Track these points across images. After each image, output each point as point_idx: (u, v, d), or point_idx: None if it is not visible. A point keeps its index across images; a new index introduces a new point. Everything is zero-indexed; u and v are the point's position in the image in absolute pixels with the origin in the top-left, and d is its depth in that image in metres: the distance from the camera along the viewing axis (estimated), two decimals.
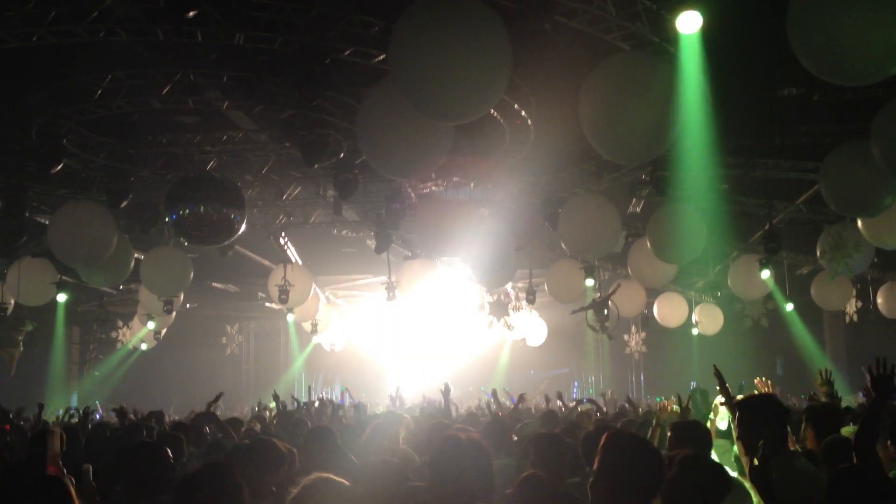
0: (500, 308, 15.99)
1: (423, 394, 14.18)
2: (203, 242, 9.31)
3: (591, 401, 9.21)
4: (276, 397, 9.06)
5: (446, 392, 8.63)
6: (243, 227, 9.24)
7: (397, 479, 3.28)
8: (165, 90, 8.00)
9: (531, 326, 17.93)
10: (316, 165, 8.34)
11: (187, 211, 8.73)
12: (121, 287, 14.75)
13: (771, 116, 8.26)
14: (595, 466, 3.06)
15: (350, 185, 9.12)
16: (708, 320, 15.85)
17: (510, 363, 20.95)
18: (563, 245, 10.32)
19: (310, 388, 21.08)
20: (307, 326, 16.97)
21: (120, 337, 18.45)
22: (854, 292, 13.74)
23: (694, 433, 4.34)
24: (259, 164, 10.08)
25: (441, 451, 3.23)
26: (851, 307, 14.32)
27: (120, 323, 18.51)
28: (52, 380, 17.35)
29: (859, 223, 9.20)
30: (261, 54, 7.18)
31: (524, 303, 15.58)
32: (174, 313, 13.99)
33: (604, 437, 3.22)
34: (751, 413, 3.90)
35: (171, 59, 7.58)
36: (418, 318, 18.21)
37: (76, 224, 9.19)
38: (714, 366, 4.83)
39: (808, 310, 14.66)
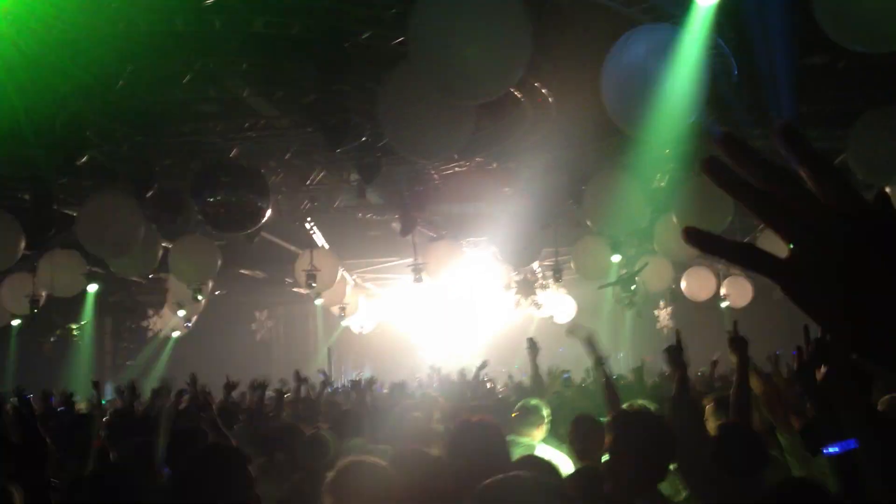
0: (527, 287, 15.99)
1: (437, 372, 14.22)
2: (229, 230, 9.37)
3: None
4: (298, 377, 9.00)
5: (480, 368, 8.64)
6: (269, 213, 9.29)
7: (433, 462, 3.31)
8: (186, 80, 8.02)
9: (559, 304, 17.90)
10: (338, 150, 8.34)
11: (213, 199, 8.80)
12: (150, 276, 14.91)
13: (797, 85, 8.14)
14: (609, 447, 3.11)
15: (373, 169, 9.13)
16: (737, 293, 15.75)
17: (538, 341, 20.90)
18: (589, 222, 10.29)
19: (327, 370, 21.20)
20: (335, 310, 17.07)
21: (150, 325, 18.65)
22: None
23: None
24: (282, 150, 10.09)
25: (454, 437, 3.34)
26: None
27: (150, 311, 18.71)
28: (78, 368, 17.56)
29: (887, 191, 9.08)
30: (280, 40, 7.18)
31: (551, 281, 15.57)
32: (204, 301, 14.12)
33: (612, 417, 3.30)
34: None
35: (190, 48, 7.60)
36: (446, 299, 18.23)
37: (103, 215, 9.29)
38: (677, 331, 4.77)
39: None
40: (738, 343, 4.47)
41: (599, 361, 4.90)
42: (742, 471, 3.70)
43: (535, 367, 7.19)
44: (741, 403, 4.33)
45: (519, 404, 5.44)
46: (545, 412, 5.26)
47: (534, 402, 5.37)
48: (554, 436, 5.43)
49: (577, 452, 4.66)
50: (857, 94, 8.26)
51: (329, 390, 10.35)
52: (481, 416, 3.68)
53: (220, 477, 2.86)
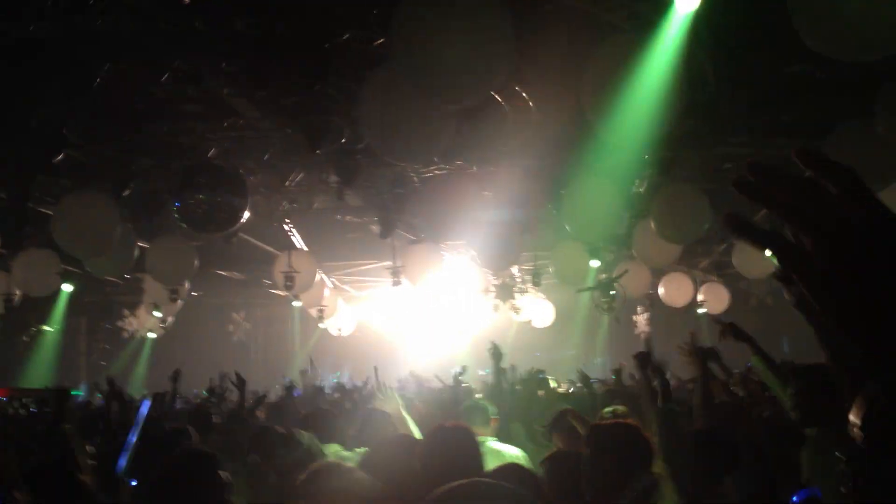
0: (506, 291, 16.01)
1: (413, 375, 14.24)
2: (207, 230, 9.30)
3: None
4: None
5: (459, 374, 8.64)
6: (247, 214, 9.23)
7: (405, 461, 3.30)
8: (165, 79, 7.95)
9: (537, 308, 17.94)
10: (318, 151, 8.31)
11: (190, 199, 8.73)
12: (126, 276, 14.79)
13: (776, 94, 8.20)
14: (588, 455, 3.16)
15: (353, 171, 9.10)
16: (714, 299, 15.84)
17: (517, 345, 20.97)
18: (567, 227, 10.30)
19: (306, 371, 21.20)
20: (314, 312, 17.01)
21: (126, 326, 18.52)
22: None
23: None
24: (261, 150, 10.04)
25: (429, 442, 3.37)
26: None
27: (126, 312, 18.57)
28: (42, 369, 17.39)
29: None
30: (261, 40, 7.15)
31: (530, 285, 15.59)
32: (180, 302, 14.02)
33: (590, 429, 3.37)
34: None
35: (171, 47, 7.54)
36: (424, 302, 18.22)
37: (79, 214, 9.19)
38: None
39: None
40: (698, 353, 4.54)
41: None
42: (713, 476, 3.74)
43: (497, 370, 7.22)
44: (706, 409, 4.38)
45: (466, 404, 5.57)
46: (491, 410, 5.42)
47: (481, 401, 5.48)
48: (511, 435, 5.70)
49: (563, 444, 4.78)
50: (835, 104, 8.33)
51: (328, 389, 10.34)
52: (456, 422, 3.69)
53: (190, 484, 2.82)
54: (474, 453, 3.35)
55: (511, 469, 3.45)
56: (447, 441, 3.34)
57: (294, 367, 21.58)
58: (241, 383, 7.83)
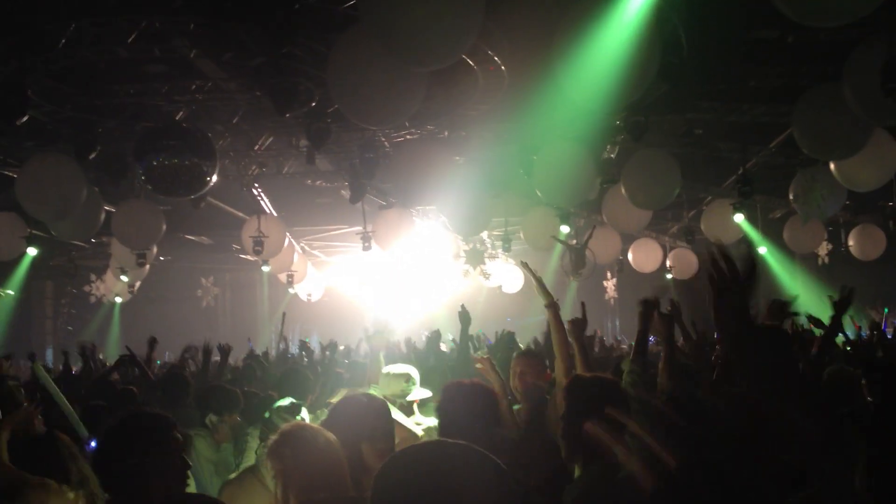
0: (476, 256, 16.04)
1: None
2: (174, 194, 9.19)
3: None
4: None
5: (434, 337, 8.63)
6: (215, 177, 9.13)
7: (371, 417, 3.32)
8: (131, 39, 7.80)
9: (507, 274, 18.00)
10: (287, 114, 8.21)
11: (157, 162, 8.61)
12: (92, 240, 14.63)
13: (745, 60, 8.22)
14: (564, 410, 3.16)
15: (323, 135, 9.00)
16: (682, 265, 15.98)
17: (487, 310, 21.05)
18: (538, 192, 10.31)
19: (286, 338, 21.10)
20: (283, 278, 16.94)
21: (93, 291, 18.34)
22: (826, 235, 13.90)
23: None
24: (229, 113, 9.92)
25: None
26: (823, 250, 14.50)
27: (93, 277, 18.38)
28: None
29: (831, 166, 9.24)
30: (228, 0, 7.02)
31: (500, 251, 15.63)
32: (147, 266, 13.90)
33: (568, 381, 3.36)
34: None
35: (136, 6, 7.40)
36: (394, 267, 18.20)
37: (44, 177, 9.04)
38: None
39: (780, 253, 14.83)
40: (664, 319, 4.57)
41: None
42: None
43: (465, 335, 7.19)
44: (671, 373, 4.41)
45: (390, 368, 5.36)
46: (415, 376, 5.26)
47: (405, 367, 5.33)
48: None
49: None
50: (803, 68, 8.37)
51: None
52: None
53: (143, 443, 2.81)
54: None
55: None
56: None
57: (265, 333, 21.56)
58: (206, 353, 7.79)
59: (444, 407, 3.57)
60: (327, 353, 9.85)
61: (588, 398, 3.12)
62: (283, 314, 12.62)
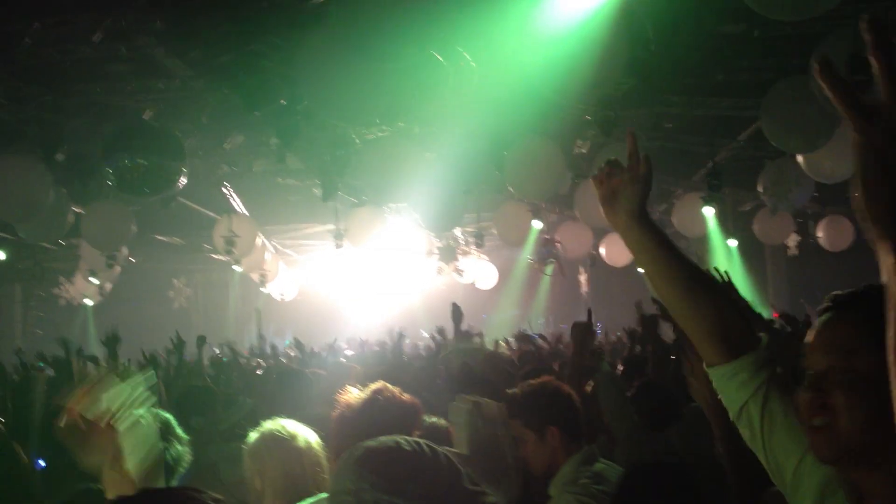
0: (449, 253, 16.03)
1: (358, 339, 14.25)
2: (143, 194, 9.09)
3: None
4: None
5: (399, 339, 8.63)
6: (184, 177, 9.04)
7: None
8: (96, 37, 7.70)
9: (480, 270, 18.02)
10: (256, 112, 8.15)
11: (124, 162, 8.50)
12: (61, 242, 14.45)
13: (713, 54, 8.27)
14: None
15: (292, 132, 8.93)
16: None
17: (462, 306, 21.05)
18: (510, 188, 10.32)
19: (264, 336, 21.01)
20: (255, 277, 16.83)
21: (62, 293, 18.10)
22: (794, 226, 14.04)
23: None
24: (197, 111, 9.82)
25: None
26: (792, 241, 14.65)
27: (62, 279, 18.15)
28: None
29: (799, 158, 9.33)
30: None
31: (473, 247, 15.63)
32: (118, 268, 13.75)
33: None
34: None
35: (100, 4, 7.30)
36: (368, 265, 18.16)
37: (9, 177, 8.91)
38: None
39: (750, 245, 14.96)
40: (649, 324, 4.64)
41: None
42: (654, 425, 3.80)
43: (458, 332, 7.19)
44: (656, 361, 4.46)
45: None
46: None
47: None
48: None
49: None
50: (771, 62, 8.44)
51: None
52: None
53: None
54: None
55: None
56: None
57: (241, 333, 21.38)
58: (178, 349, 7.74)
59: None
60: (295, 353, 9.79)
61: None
62: (258, 311, 12.54)
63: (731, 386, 1.77)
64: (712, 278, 1.99)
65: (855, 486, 1.49)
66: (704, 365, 1.85)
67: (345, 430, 2.70)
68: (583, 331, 4.24)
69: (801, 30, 7.27)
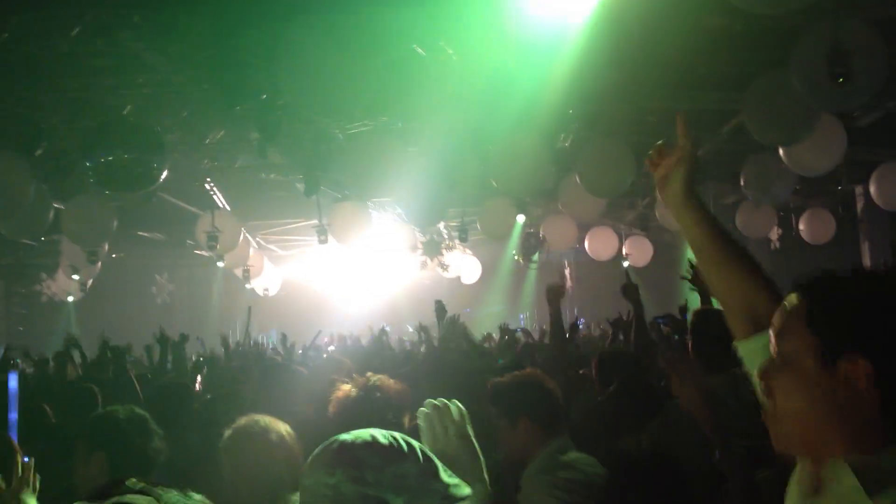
0: (434, 248, 16.02)
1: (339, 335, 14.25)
2: (124, 190, 9.03)
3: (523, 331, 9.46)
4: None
5: (381, 334, 8.63)
6: (165, 173, 8.98)
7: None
8: (75, 32, 7.62)
9: (465, 264, 18.02)
10: (238, 107, 8.10)
11: (105, 158, 8.44)
12: (42, 239, 14.35)
13: (695, 48, 8.28)
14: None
15: (274, 127, 8.89)
16: (638, 252, 16.12)
17: (446, 301, 21.04)
18: (494, 182, 10.31)
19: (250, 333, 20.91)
20: (239, 273, 16.77)
21: (44, 290, 17.99)
22: (777, 220, 14.12)
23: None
24: (178, 107, 9.75)
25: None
26: (774, 234, 14.73)
27: (44, 275, 18.03)
28: None
29: (781, 151, 9.37)
30: None
31: (457, 241, 15.63)
32: (99, 264, 13.66)
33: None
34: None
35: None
36: (352, 260, 18.13)
37: None
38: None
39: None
40: (629, 290, 4.71)
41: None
42: (632, 425, 3.80)
43: (440, 328, 7.20)
44: (641, 346, 4.47)
45: None
46: None
47: None
48: None
49: None
50: (751, 56, 8.45)
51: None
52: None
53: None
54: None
55: None
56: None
57: (218, 329, 21.26)
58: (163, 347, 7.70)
59: None
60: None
61: None
62: (249, 308, 12.46)
63: (756, 360, 1.78)
64: (751, 259, 2.05)
65: (812, 476, 1.47)
66: (734, 342, 1.92)
67: (345, 419, 2.77)
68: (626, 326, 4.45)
69: (782, 23, 7.28)
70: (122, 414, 3.15)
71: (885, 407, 1.31)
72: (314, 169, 10.88)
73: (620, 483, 2.75)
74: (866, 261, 14.90)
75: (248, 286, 18.36)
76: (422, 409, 2.06)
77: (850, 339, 1.32)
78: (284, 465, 2.88)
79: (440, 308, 7.10)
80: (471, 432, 2.04)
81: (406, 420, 2.96)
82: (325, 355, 11.10)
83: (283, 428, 3.03)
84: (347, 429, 1.83)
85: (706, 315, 4.18)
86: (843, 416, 1.34)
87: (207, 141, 11.00)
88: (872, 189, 11.54)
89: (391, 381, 3.11)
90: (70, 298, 17.35)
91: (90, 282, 15.45)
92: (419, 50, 7.37)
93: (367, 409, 2.92)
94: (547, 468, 3.04)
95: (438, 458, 1.79)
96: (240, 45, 7.37)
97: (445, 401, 2.06)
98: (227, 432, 3.06)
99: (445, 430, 1.99)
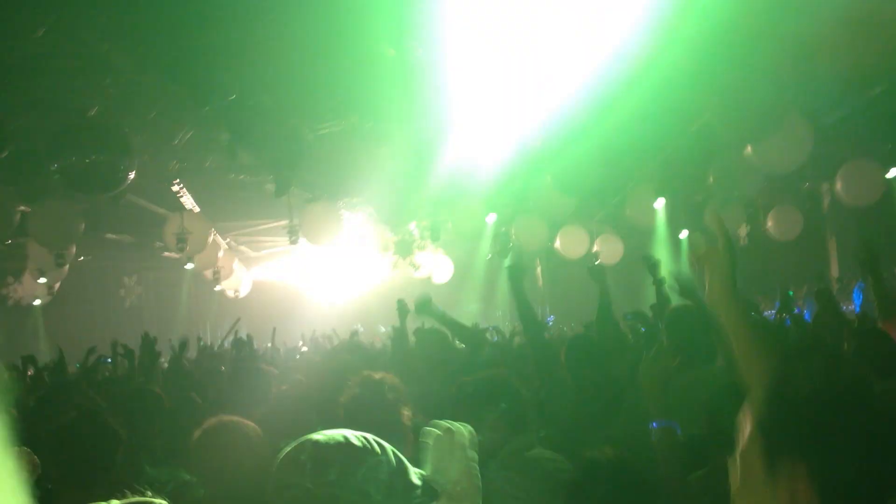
0: (406, 247, 16.02)
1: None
2: (91, 192, 8.94)
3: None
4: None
5: (352, 335, 8.62)
6: (133, 174, 8.90)
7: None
8: (40, 33, 7.53)
9: (436, 264, 18.02)
10: (207, 107, 8.04)
11: (71, 160, 8.35)
12: (8, 241, 14.15)
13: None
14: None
15: (244, 127, 8.84)
16: (609, 250, 16.21)
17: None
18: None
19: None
20: (208, 275, 16.65)
21: (10, 293, 17.74)
22: (745, 217, 14.28)
23: None
24: (145, 107, 9.66)
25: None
26: (742, 231, 14.89)
27: (10, 279, 17.77)
28: None
29: (748, 148, 9.47)
30: None
31: (429, 241, 15.64)
32: (67, 267, 13.51)
33: None
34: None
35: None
36: (323, 260, 18.08)
37: None
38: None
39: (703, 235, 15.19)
40: (595, 271, 4.88)
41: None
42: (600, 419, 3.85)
43: (403, 328, 7.20)
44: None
45: None
46: None
47: None
48: None
49: None
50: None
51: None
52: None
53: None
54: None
55: None
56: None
57: (193, 332, 21.11)
58: (129, 353, 7.58)
59: None
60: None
61: None
62: (238, 319, 12.25)
63: None
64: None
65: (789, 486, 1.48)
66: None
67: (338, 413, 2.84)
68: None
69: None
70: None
71: None
72: (284, 169, 10.83)
73: (586, 480, 2.77)
74: (833, 257, 15.14)
75: (217, 288, 18.24)
76: (432, 429, 2.07)
77: None
78: (253, 463, 2.88)
79: (402, 307, 7.11)
80: (475, 457, 2.06)
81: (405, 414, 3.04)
82: (297, 356, 11.08)
83: (251, 427, 3.04)
84: (355, 425, 1.86)
85: (683, 312, 4.24)
86: None
87: (176, 142, 10.91)
88: (838, 186, 11.72)
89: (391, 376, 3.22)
90: (37, 302, 17.13)
91: (57, 285, 15.28)
92: (389, 50, 7.37)
93: (375, 404, 3.03)
94: (511, 465, 3.07)
95: (440, 480, 1.83)
96: (208, 45, 7.32)
97: (458, 425, 2.08)
98: (197, 432, 3.06)
99: (452, 453, 2.00)
